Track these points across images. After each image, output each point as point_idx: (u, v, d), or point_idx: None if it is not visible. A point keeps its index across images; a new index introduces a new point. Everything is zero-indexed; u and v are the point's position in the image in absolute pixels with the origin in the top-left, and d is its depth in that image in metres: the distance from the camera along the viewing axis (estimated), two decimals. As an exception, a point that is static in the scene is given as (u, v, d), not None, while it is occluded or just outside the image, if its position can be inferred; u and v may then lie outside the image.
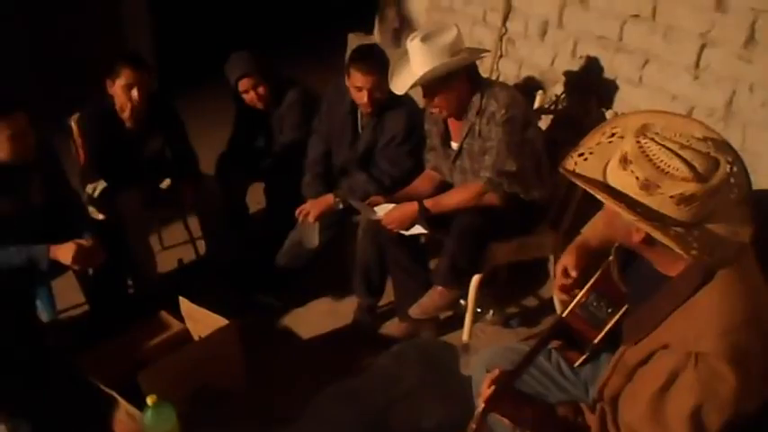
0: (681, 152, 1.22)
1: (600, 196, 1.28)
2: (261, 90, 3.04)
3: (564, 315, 1.61)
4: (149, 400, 2.04)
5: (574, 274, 1.69)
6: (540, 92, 2.92)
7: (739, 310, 1.27)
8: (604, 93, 2.74)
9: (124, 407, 2.21)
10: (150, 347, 2.46)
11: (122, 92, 2.74)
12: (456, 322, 2.83)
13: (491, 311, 2.97)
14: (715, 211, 1.25)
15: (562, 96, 2.91)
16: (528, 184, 2.48)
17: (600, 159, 1.35)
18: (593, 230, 1.81)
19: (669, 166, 1.21)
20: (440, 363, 2.60)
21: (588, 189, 1.31)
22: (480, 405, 1.39)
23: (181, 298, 2.53)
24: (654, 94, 2.52)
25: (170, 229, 3.47)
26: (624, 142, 1.29)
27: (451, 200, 2.53)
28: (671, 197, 1.21)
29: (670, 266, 1.37)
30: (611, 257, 1.66)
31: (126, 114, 2.78)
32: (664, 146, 1.23)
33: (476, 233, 2.47)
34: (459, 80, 2.40)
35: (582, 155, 1.38)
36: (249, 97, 3.06)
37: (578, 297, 1.60)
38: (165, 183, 3.12)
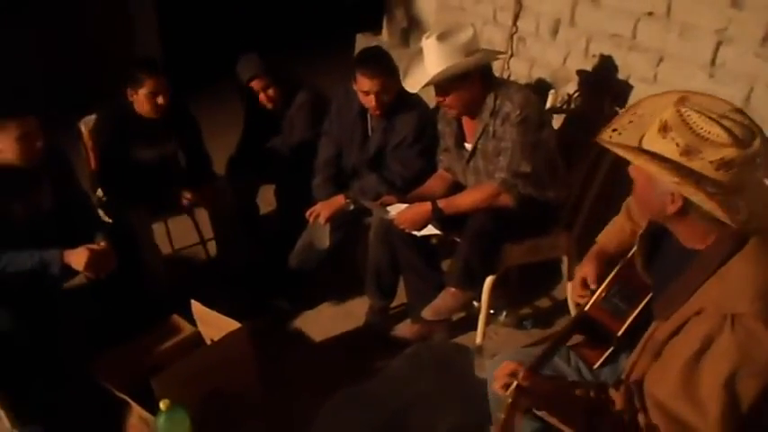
0: (720, 120, 1.24)
1: (641, 160, 1.30)
2: (271, 92, 3.03)
3: (587, 308, 1.58)
4: (162, 405, 2.02)
5: (593, 286, 1.69)
6: (551, 91, 2.90)
7: None
8: (618, 92, 2.71)
9: (137, 411, 2.20)
10: (162, 351, 2.45)
11: (147, 100, 2.73)
12: (469, 324, 2.81)
13: (504, 313, 2.96)
14: (747, 182, 1.26)
15: (575, 96, 2.88)
16: (542, 185, 2.45)
17: (634, 133, 1.37)
18: (608, 237, 1.80)
19: (709, 132, 1.24)
20: (454, 365, 2.58)
21: (627, 156, 1.32)
22: (507, 397, 1.35)
23: (193, 301, 2.51)
24: (669, 92, 2.49)
25: (180, 231, 3.46)
26: (663, 112, 1.31)
27: (465, 200, 2.51)
28: (711, 162, 1.23)
29: (699, 239, 1.37)
30: (630, 253, 1.64)
31: (149, 117, 2.79)
32: (703, 114, 1.25)
33: (489, 234, 2.45)
34: (473, 80, 2.38)
35: (615, 130, 1.40)
36: (259, 99, 3.05)
37: (600, 289, 1.58)
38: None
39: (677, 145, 1.26)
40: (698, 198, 1.24)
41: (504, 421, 1.29)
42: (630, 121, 1.41)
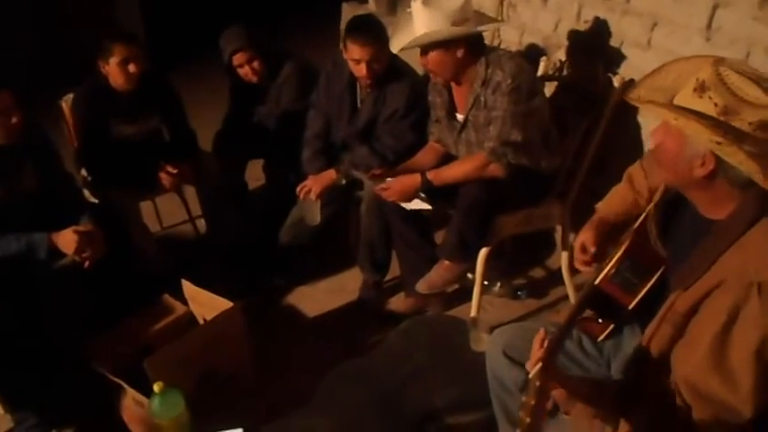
0: (760, 82, 1.22)
1: (681, 119, 1.24)
2: (256, 64, 2.96)
3: (597, 282, 1.55)
4: (156, 388, 2.00)
5: (592, 249, 1.65)
6: (543, 58, 2.84)
7: None
8: (611, 57, 2.66)
9: (131, 394, 2.18)
10: (155, 332, 2.42)
11: (119, 69, 2.66)
12: (463, 296, 2.79)
13: (498, 284, 2.94)
14: None
15: (567, 62, 2.83)
16: (535, 154, 2.42)
17: (662, 96, 1.34)
18: (609, 206, 1.77)
19: (748, 94, 1.21)
20: (449, 339, 2.58)
21: (666, 113, 1.27)
22: (534, 380, 1.28)
23: (184, 281, 2.48)
24: (664, 57, 2.39)
25: (169, 209, 3.42)
26: (699, 72, 1.27)
27: (454, 171, 2.47)
28: (750, 123, 1.20)
29: (719, 208, 1.33)
30: (637, 224, 1.60)
31: (125, 91, 2.72)
32: (743, 74, 1.22)
33: (482, 206, 2.41)
34: (457, 48, 2.32)
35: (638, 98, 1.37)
36: (244, 72, 2.98)
37: (611, 264, 1.55)
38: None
39: (715, 105, 1.22)
40: (737, 159, 1.20)
41: (533, 406, 1.23)
42: (656, 84, 1.37)
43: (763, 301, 1.21)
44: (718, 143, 1.19)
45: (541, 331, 1.42)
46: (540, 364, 1.31)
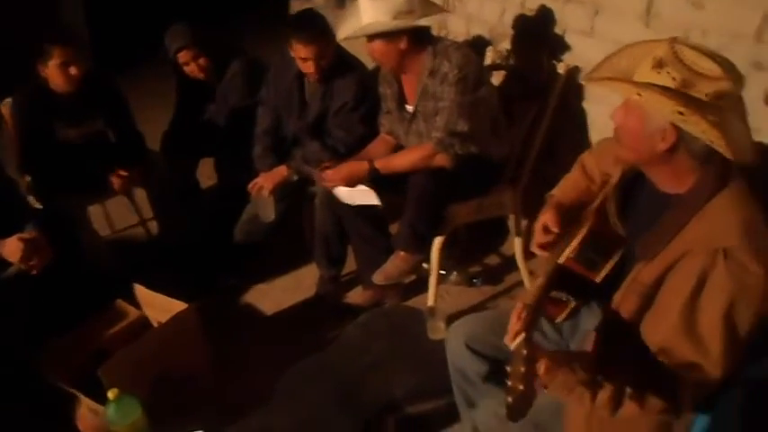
0: (714, 56, 1.27)
1: (647, 92, 1.28)
2: (201, 62, 2.91)
3: (561, 261, 1.58)
4: (111, 395, 1.96)
5: (555, 229, 1.67)
6: (490, 48, 2.87)
7: (756, 211, 1.33)
8: (556, 45, 2.69)
9: (86, 403, 2.13)
10: (108, 338, 2.37)
11: (59, 71, 2.59)
12: (420, 286, 2.81)
13: (454, 272, 2.96)
14: (731, 118, 1.28)
15: (513, 51, 2.85)
16: (484, 142, 2.44)
17: (620, 75, 1.38)
18: (563, 191, 1.79)
19: (703, 68, 1.26)
20: (408, 329, 2.59)
21: (630, 88, 1.31)
22: (521, 349, 1.30)
23: (136, 285, 2.43)
24: (606, 44, 2.47)
25: (120, 212, 3.35)
26: (656, 49, 1.32)
27: (401, 161, 2.48)
28: (706, 95, 1.25)
29: (680, 183, 1.38)
30: (596, 204, 1.63)
31: (66, 93, 2.65)
32: (696, 50, 1.29)
33: (432, 195, 2.43)
34: (400, 39, 2.33)
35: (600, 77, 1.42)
36: (190, 69, 2.93)
37: (574, 243, 1.57)
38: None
39: (673, 79, 1.27)
40: (700, 128, 1.24)
41: (524, 373, 1.25)
42: (612, 69, 1.41)
43: (728, 266, 1.26)
44: (681, 113, 1.24)
45: (519, 304, 1.46)
46: (524, 334, 1.34)
